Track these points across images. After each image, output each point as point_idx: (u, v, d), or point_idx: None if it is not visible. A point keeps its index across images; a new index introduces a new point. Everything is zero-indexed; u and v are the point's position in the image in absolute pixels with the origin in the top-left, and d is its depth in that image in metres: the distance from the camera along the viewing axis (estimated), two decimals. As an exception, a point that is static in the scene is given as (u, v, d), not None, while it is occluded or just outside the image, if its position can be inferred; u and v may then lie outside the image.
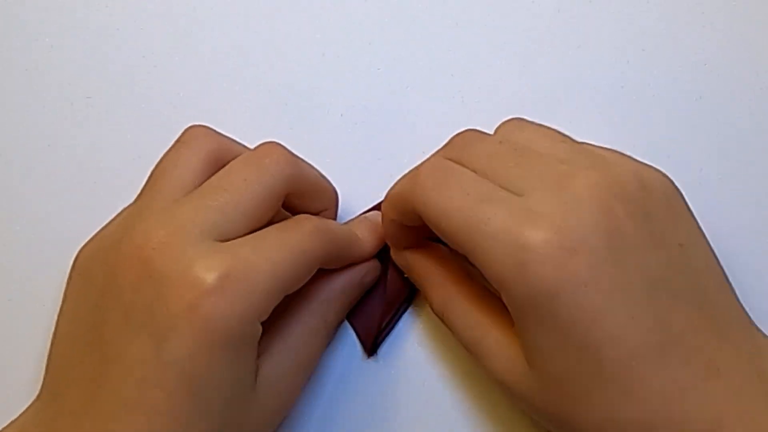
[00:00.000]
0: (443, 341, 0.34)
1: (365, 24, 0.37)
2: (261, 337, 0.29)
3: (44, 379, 0.30)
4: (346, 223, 0.34)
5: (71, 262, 0.31)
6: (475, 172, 0.28)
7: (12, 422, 0.29)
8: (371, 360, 0.34)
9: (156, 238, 0.27)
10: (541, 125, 0.31)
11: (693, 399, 0.25)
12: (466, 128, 0.31)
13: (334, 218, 0.33)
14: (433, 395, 0.33)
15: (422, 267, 0.32)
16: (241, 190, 0.28)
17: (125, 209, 0.32)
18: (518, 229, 0.26)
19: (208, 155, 0.30)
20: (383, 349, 0.34)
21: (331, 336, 0.33)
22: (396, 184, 0.31)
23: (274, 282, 0.27)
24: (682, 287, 0.27)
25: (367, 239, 0.33)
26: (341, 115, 0.37)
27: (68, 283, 0.31)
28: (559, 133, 0.30)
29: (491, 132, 0.31)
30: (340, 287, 0.32)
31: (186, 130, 0.31)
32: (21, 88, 0.38)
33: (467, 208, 0.27)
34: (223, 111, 0.37)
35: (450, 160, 0.29)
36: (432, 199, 0.28)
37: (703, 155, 0.35)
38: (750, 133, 0.35)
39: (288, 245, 0.28)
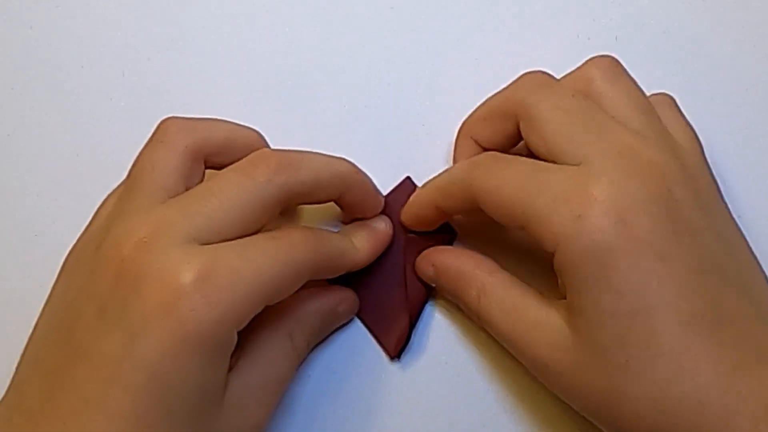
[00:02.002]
0: (463, 334, 0.33)
1: (369, 15, 0.36)
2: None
3: (12, 377, 0.29)
4: (344, 227, 0.33)
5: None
6: (540, 118, 0.28)
7: None
8: (395, 362, 0.33)
9: (137, 237, 0.26)
10: (628, 80, 0.30)
11: (746, 381, 0.25)
12: (536, 69, 0.31)
13: (363, 193, 0.32)
14: (456, 392, 0.33)
15: (451, 268, 0.31)
16: (231, 198, 0.27)
17: (105, 206, 0.31)
18: (579, 186, 0.26)
19: (186, 151, 0.29)
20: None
21: (300, 359, 0.31)
22: (444, 171, 0.31)
23: (256, 290, 0.26)
24: (732, 275, 0.27)
25: (363, 246, 0.32)
26: (344, 106, 0.36)
27: (53, 285, 0.30)
28: (641, 94, 0.30)
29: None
30: (313, 309, 0.31)
31: (160, 125, 0.30)
32: (9, 81, 0.37)
33: (523, 180, 0.27)
34: (223, 102, 0.36)
35: (511, 102, 0.30)
36: (488, 183, 0.28)
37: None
38: None
39: (274, 253, 0.27)
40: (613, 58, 0.31)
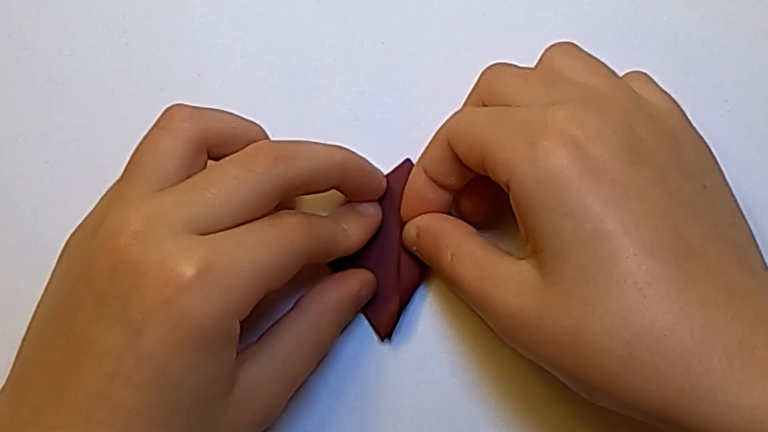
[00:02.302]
0: (454, 318, 0.33)
1: (371, 12, 0.36)
2: (248, 346, 0.28)
3: (11, 370, 0.28)
4: (333, 212, 0.33)
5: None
6: (502, 96, 0.29)
7: None
8: (385, 342, 0.33)
9: (133, 226, 0.26)
10: (588, 57, 0.30)
11: (716, 314, 0.24)
12: (493, 63, 0.31)
13: (360, 181, 0.31)
14: (446, 374, 0.33)
15: (432, 227, 0.31)
16: (228, 188, 0.27)
17: (106, 194, 0.30)
18: (536, 117, 0.26)
19: (190, 140, 0.28)
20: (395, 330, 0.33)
21: (323, 351, 0.31)
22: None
23: (256, 278, 0.26)
24: (705, 215, 0.26)
25: (353, 231, 0.31)
26: (345, 103, 0.35)
27: (50, 276, 0.29)
28: (602, 65, 0.30)
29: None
30: (334, 300, 0.31)
31: (165, 112, 0.29)
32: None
33: (490, 116, 0.28)
34: (224, 98, 0.35)
35: (478, 88, 0.31)
36: (459, 119, 0.29)
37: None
38: None
39: (271, 241, 0.27)
40: (569, 41, 0.31)
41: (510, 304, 0.27)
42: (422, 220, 0.32)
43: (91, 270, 0.26)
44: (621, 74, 0.31)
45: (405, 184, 0.33)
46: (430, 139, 0.31)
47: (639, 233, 0.24)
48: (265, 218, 0.28)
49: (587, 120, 0.26)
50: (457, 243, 0.30)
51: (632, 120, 0.26)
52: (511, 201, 0.27)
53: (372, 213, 0.33)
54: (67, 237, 0.30)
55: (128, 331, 0.25)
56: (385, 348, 0.33)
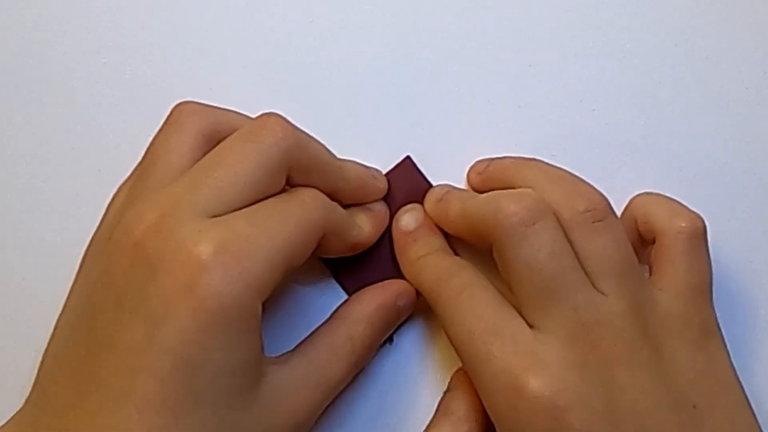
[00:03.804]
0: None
1: (372, 9, 0.36)
2: (282, 354, 0.28)
3: (35, 380, 0.28)
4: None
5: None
6: (510, 269, 0.28)
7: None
8: (386, 345, 0.33)
9: (147, 220, 0.25)
10: (615, 232, 0.29)
11: None
12: (531, 163, 0.31)
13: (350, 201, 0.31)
14: (445, 377, 0.32)
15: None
16: (237, 165, 0.26)
17: (119, 193, 0.30)
18: (518, 373, 0.26)
19: (200, 134, 0.28)
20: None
21: (360, 362, 0.30)
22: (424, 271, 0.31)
23: (274, 255, 0.25)
24: None
25: (366, 226, 0.31)
26: (345, 99, 0.35)
27: (73, 282, 0.29)
28: (628, 253, 0.29)
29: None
30: (372, 308, 0.30)
31: (174, 109, 0.30)
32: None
33: (477, 335, 0.28)
34: (225, 96, 0.34)
35: (486, 228, 0.29)
36: (450, 310, 0.29)
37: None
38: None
39: (286, 215, 0.27)
40: (601, 199, 0.29)
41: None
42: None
43: (109, 270, 0.26)
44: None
45: (405, 181, 0.33)
46: (433, 135, 0.32)
47: None
48: (280, 195, 0.28)
49: (569, 382, 0.26)
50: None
51: (617, 364, 0.27)
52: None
53: (380, 209, 0.32)
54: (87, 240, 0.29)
55: (149, 323, 0.24)
56: (386, 349, 0.32)
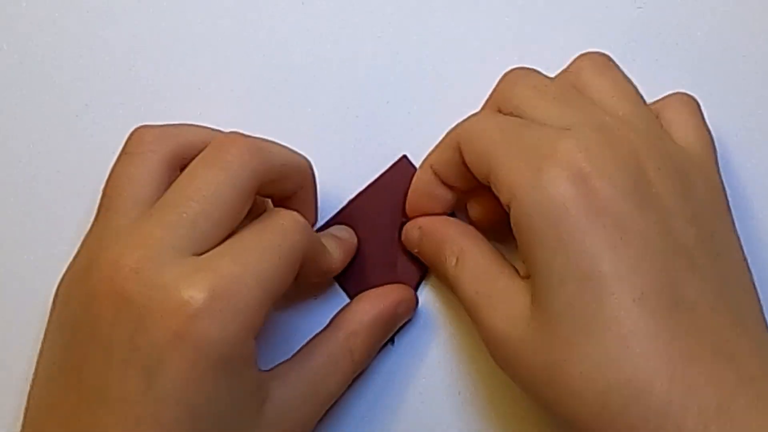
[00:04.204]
0: (455, 319, 0.32)
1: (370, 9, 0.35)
2: (279, 364, 0.28)
3: (23, 423, 0.27)
4: None
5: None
6: (517, 107, 0.28)
7: None
8: (388, 346, 0.32)
9: (127, 264, 0.25)
10: (617, 75, 0.29)
11: (697, 373, 0.23)
12: (515, 67, 0.30)
13: (313, 193, 0.31)
14: (448, 377, 0.32)
15: (437, 231, 0.30)
16: (209, 197, 0.26)
17: (89, 233, 0.29)
18: (548, 141, 0.25)
19: (163, 161, 0.27)
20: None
21: (357, 370, 0.30)
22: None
23: (262, 292, 0.25)
24: (705, 266, 0.25)
25: (335, 252, 0.30)
26: (345, 97, 0.34)
27: (47, 322, 0.28)
28: (630, 86, 0.29)
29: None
30: (371, 317, 0.30)
31: (131, 136, 0.28)
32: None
33: (502, 129, 0.27)
34: (222, 93, 0.34)
35: (497, 96, 0.29)
36: (472, 125, 0.28)
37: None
38: None
39: (269, 246, 0.26)
40: (604, 53, 0.30)
41: (497, 327, 0.27)
42: (426, 223, 0.31)
43: (91, 316, 0.25)
44: (665, 93, 0.30)
45: (402, 180, 0.32)
46: (430, 134, 0.31)
47: (631, 280, 0.24)
48: (257, 222, 0.27)
49: (597, 153, 0.25)
50: (462, 249, 0.29)
51: (645, 158, 0.26)
52: (511, 223, 0.26)
53: (347, 237, 0.32)
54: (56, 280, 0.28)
55: (143, 373, 0.24)
56: (386, 349, 0.32)
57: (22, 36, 0.35)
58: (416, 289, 0.32)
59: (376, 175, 0.33)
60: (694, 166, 0.27)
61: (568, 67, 0.30)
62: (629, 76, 0.30)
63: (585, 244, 0.24)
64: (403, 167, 0.33)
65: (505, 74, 0.30)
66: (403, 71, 0.34)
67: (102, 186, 0.28)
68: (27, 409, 0.27)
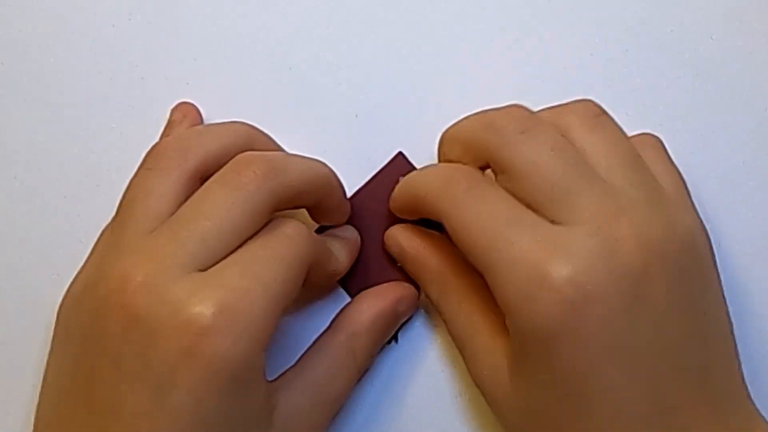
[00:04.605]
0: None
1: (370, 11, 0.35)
2: (284, 372, 0.28)
3: None
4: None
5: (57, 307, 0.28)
6: (516, 174, 0.27)
7: None
8: (392, 344, 0.33)
9: (135, 279, 0.24)
10: (607, 125, 0.28)
11: None
12: (513, 103, 0.29)
13: (338, 200, 0.31)
14: (452, 374, 0.32)
15: (419, 254, 0.31)
16: (221, 217, 0.26)
17: (98, 243, 0.29)
18: (539, 261, 0.25)
19: (181, 176, 0.27)
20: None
21: (362, 370, 0.30)
22: (425, 168, 0.30)
23: (271, 304, 0.25)
24: (691, 362, 0.26)
25: (341, 254, 0.31)
26: (345, 97, 0.34)
27: (54, 334, 0.28)
28: (625, 142, 0.28)
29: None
30: (371, 318, 0.30)
31: (150, 153, 0.28)
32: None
33: (493, 228, 0.26)
34: (222, 93, 0.35)
35: (485, 146, 0.28)
36: (458, 211, 0.27)
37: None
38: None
39: (276, 256, 0.26)
40: (591, 102, 0.29)
41: (483, 374, 0.28)
42: (407, 242, 0.31)
43: (99, 330, 0.25)
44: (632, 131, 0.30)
45: (398, 177, 0.32)
46: (430, 134, 0.31)
47: (615, 400, 0.25)
48: (262, 233, 0.27)
49: (593, 272, 0.24)
50: (444, 281, 0.30)
51: (644, 258, 0.25)
52: (506, 322, 0.26)
53: (351, 236, 0.32)
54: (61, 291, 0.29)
55: (155, 388, 0.24)
56: (387, 348, 0.32)
57: (20, 36, 0.35)
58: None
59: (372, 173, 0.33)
60: (686, 223, 0.27)
61: (558, 118, 0.28)
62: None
63: (574, 367, 0.25)
64: (399, 164, 0.33)
65: (500, 117, 0.28)
66: (403, 71, 0.34)
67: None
68: (37, 419, 0.27)
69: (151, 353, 0.24)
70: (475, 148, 0.28)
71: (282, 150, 0.32)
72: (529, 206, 0.27)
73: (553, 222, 0.26)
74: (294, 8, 0.35)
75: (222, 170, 0.27)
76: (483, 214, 0.26)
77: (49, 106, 0.34)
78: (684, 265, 0.26)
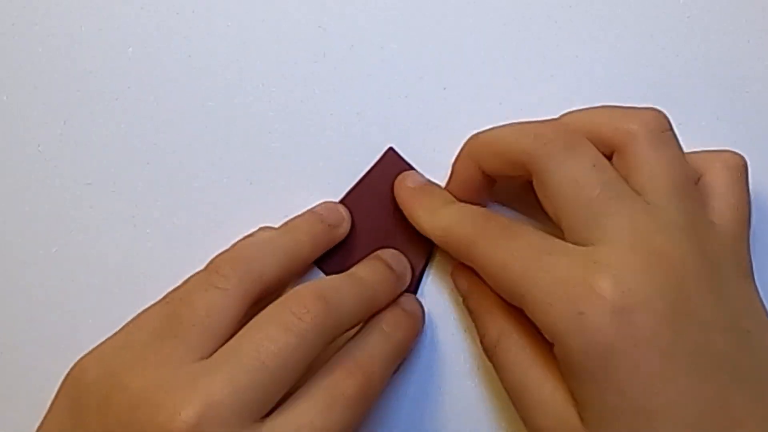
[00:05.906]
0: (459, 310, 0.32)
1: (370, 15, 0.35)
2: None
3: None
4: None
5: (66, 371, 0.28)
6: (550, 193, 0.27)
7: None
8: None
9: (185, 418, 0.24)
10: (670, 144, 0.28)
11: None
12: (554, 119, 0.29)
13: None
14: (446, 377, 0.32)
15: (483, 297, 0.30)
16: (281, 365, 0.25)
17: (140, 328, 0.28)
18: (580, 278, 0.25)
19: (243, 298, 0.27)
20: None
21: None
22: (448, 211, 0.30)
23: None
24: (747, 374, 0.25)
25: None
26: (345, 96, 0.34)
27: (56, 398, 0.27)
28: (680, 165, 0.28)
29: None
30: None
31: (211, 264, 0.28)
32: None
33: (527, 258, 0.26)
34: (222, 93, 0.34)
35: (526, 156, 0.28)
36: (492, 247, 0.27)
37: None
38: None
39: (329, 402, 0.26)
40: (662, 114, 0.28)
41: (541, 425, 0.27)
42: (475, 282, 0.30)
43: None
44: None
45: (390, 173, 0.32)
46: (429, 134, 0.32)
47: (683, 408, 0.24)
48: (317, 378, 0.27)
49: (635, 283, 0.25)
50: (503, 330, 0.29)
51: (681, 272, 0.25)
52: (556, 355, 0.26)
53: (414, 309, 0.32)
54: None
55: None
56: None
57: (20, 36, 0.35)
58: (417, 285, 0.32)
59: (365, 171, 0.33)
60: (726, 253, 0.27)
61: (621, 123, 0.28)
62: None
63: (634, 381, 0.24)
64: (390, 159, 0.33)
65: (545, 129, 0.28)
66: (403, 71, 0.34)
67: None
68: None
69: None
70: (514, 158, 0.28)
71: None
72: (558, 222, 0.27)
73: (584, 245, 0.26)
74: (294, 8, 0.35)
75: (277, 305, 0.27)
76: (515, 253, 0.27)
77: None
78: (719, 285, 0.26)
